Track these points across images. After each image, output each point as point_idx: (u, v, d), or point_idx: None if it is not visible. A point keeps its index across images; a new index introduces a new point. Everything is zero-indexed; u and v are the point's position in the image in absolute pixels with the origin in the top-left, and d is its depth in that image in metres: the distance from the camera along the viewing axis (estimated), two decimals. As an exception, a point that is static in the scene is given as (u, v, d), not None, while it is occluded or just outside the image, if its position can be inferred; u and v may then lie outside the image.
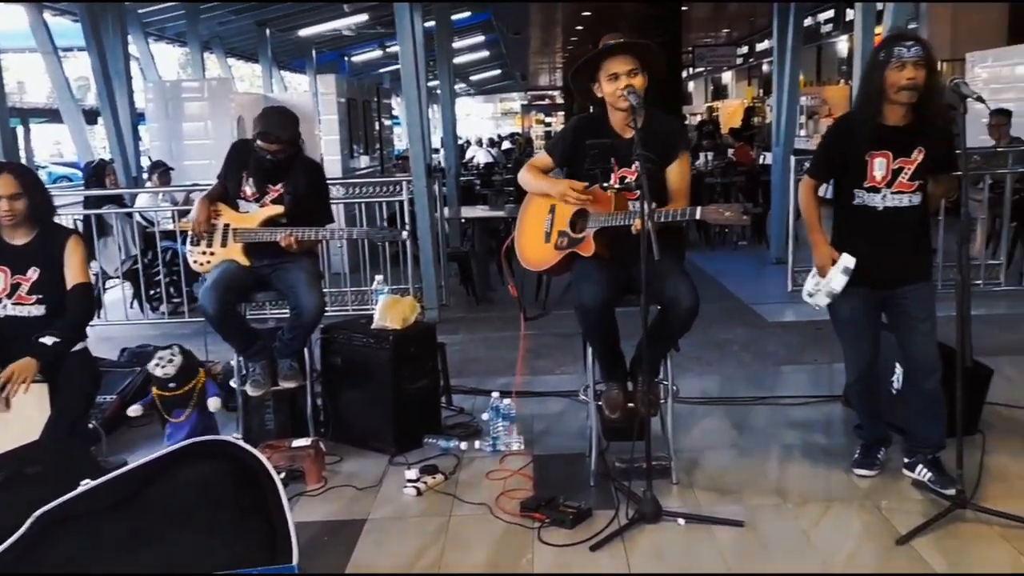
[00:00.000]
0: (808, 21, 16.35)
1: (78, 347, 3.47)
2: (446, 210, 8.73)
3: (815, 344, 5.59)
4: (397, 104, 17.53)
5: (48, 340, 3.31)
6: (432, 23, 9.31)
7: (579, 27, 19.73)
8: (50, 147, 30.34)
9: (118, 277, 7.30)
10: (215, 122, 9.25)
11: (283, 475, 3.55)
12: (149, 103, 9.32)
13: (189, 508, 2.07)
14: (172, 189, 7.64)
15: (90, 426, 3.86)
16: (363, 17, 14.34)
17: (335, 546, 3.09)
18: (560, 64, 31.91)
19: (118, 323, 6.86)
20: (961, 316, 3.00)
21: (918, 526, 2.97)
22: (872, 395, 3.51)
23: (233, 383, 4.01)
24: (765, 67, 18.58)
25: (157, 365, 3.76)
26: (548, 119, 49.11)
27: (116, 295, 7.41)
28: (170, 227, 7.00)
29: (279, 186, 3.84)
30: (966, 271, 2.93)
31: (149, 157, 9.33)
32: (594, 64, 3.26)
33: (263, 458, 2.24)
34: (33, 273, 3.44)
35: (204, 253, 3.85)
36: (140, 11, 11.24)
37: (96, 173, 8.25)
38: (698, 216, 3.01)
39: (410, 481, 3.53)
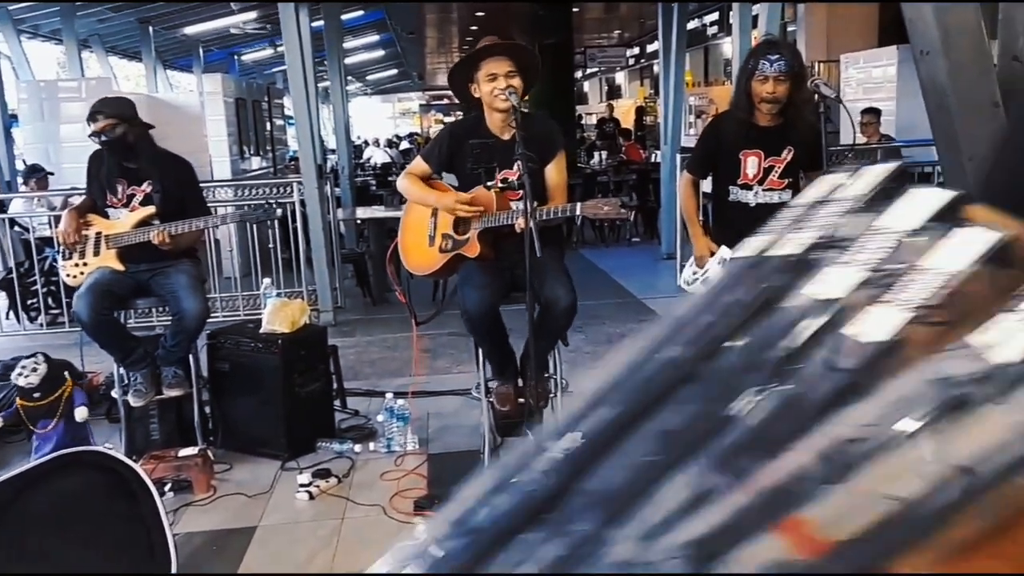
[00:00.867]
0: (695, 23, 16.86)
1: None
2: (340, 211, 8.65)
3: (702, 336, 5.79)
4: (290, 104, 17.16)
5: None
6: (320, 22, 9.18)
7: (473, 27, 19.78)
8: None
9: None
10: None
11: (169, 486, 3.50)
12: (22, 104, 8.86)
13: (63, 521, 2.00)
14: (49, 194, 7.30)
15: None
16: (251, 15, 14.01)
17: (224, 556, 3.03)
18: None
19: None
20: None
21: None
22: None
23: (115, 393, 3.88)
24: (656, 67, 19.11)
25: (20, 374, 3.61)
26: (447, 119, 49.08)
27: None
28: (47, 234, 6.69)
29: (144, 186, 3.75)
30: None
31: (24, 161, 8.88)
32: (472, 64, 3.29)
33: (139, 469, 2.19)
34: None
35: (77, 265, 3.71)
36: (11, 8, 10.69)
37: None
38: (578, 212, 3.09)
39: (302, 486, 3.50)
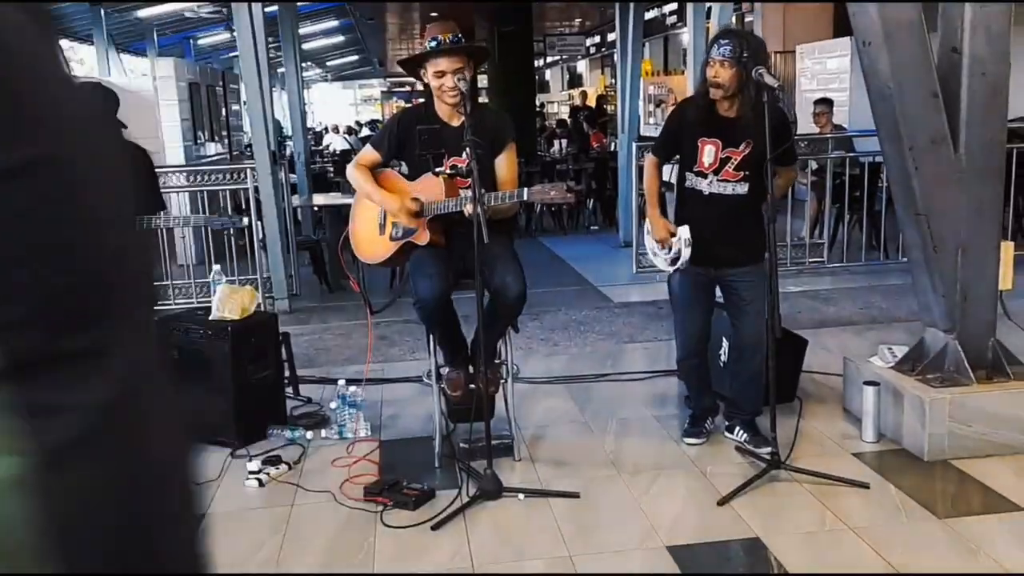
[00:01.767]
0: (654, 12, 16.93)
1: None
2: (296, 198, 8.56)
3: (656, 322, 5.86)
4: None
5: None
6: (275, 7, 9.06)
7: (433, 14, 19.64)
8: None
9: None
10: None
11: (116, 474, 3.45)
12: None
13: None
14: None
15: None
16: (205, -1, 13.78)
17: (171, 543, 3.01)
18: (418, 51, 31.67)
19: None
20: (772, 289, 3.21)
21: (737, 487, 3.19)
22: (701, 369, 3.72)
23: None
24: (617, 56, 19.23)
25: None
26: (409, 106, 48.74)
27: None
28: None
29: None
30: (773, 249, 3.15)
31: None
32: (421, 61, 3.29)
33: None
34: None
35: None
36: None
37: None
38: (526, 197, 3.11)
39: (252, 473, 3.48)
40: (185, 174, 6.90)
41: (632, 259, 7.38)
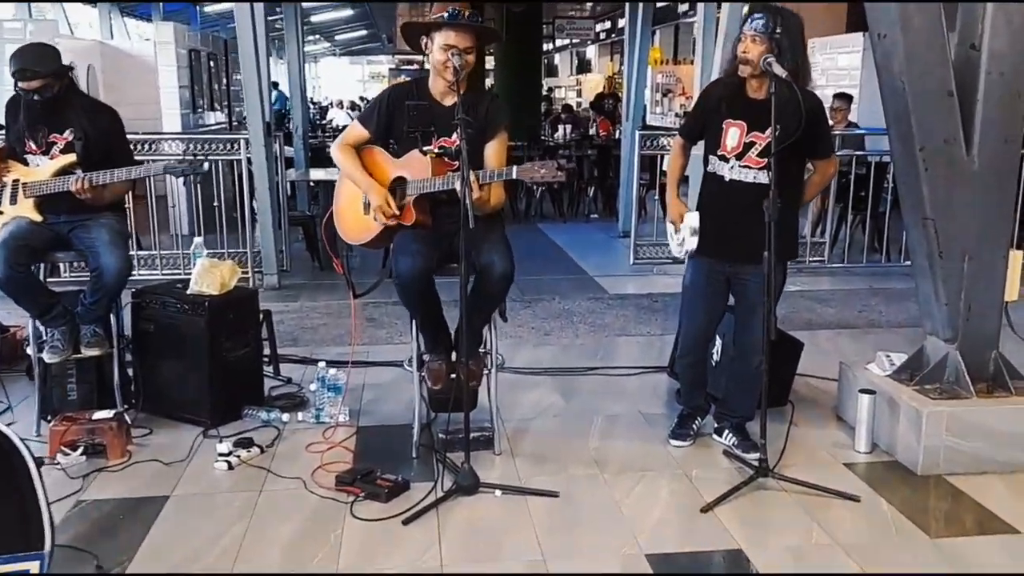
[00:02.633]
0: (666, 1, 16.71)
1: None
2: (292, 172, 8.42)
3: (650, 315, 5.74)
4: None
5: None
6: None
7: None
8: None
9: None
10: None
11: (81, 449, 3.34)
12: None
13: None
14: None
15: None
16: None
17: (130, 525, 2.89)
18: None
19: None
20: (769, 293, 3.07)
21: (722, 495, 3.07)
22: (698, 368, 3.58)
23: (30, 350, 3.70)
24: (625, 43, 19.05)
25: None
26: (400, 81, 48.29)
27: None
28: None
29: (66, 134, 3.55)
30: (771, 249, 3.00)
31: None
32: (434, 27, 3.14)
33: (14, 436, 2.04)
34: None
35: (-8, 213, 3.51)
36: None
37: None
38: (515, 175, 2.96)
39: (221, 455, 3.36)
40: (179, 142, 6.75)
41: (630, 249, 7.24)
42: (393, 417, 3.87)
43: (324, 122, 17.54)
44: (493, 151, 3.24)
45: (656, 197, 7.82)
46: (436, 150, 3.15)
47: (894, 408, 3.43)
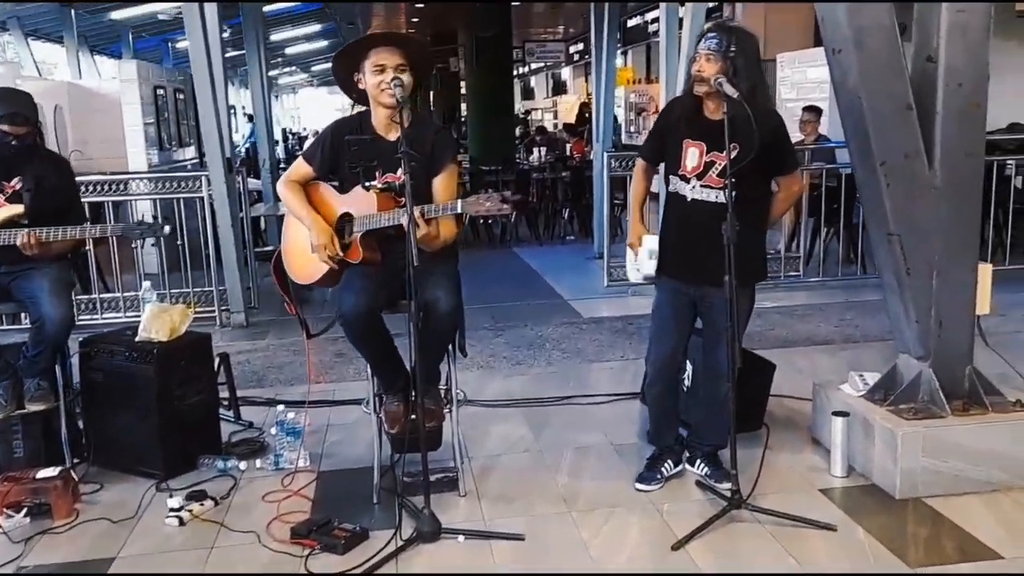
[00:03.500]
0: (637, 20, 16.77)
1: None
2: (261, 206, 8.30)
3: (624, 339, 5.63)
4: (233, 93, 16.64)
5: None
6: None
7: (415, 19, 19.43)
8: None
9: None
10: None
11: (25, 511, 3.19)
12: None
13: None
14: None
15: None
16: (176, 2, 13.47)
17: (71, 592, 2.75)
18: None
19: None
20: (733, 318, 2.97)
21: (694, 530, 2.95)
22: (666, 399, 3.45)
23: (-28, 407, 3.55)
24: (592, 64, 19.19)
25: None
26: (344, 116, 48.41)
27: None
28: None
29: (14, 182, 3.43)
30: (731, 271, 2.91)
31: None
32: (360, 53, 3.05)
33: None
34: None
35: (-70, 263, 3.38)
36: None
37: None
38: (459, 209, 2.86)
39: (172, 511, 3.21)
40: (145, 181, 6.62)
41: (604, 272, 7.15)
42: (356, 460, 3.72)
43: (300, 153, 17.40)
44: (441, 185, 3.13)
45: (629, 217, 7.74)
46: (380, 185, 3.04)
47: (868, 430, 3.33)
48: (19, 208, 3.41)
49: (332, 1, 14.95)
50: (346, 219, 3.10)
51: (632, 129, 16.06)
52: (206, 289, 6.34)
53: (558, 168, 10.91)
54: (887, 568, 2.75)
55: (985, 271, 3.37)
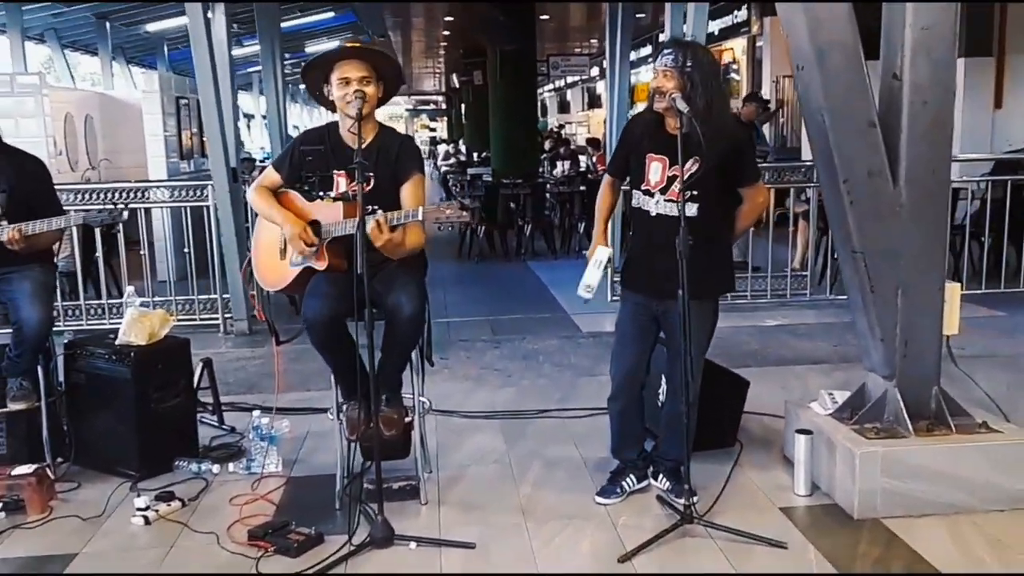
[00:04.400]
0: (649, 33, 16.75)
1: None
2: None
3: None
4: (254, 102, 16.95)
5: None
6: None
7: (446, 32, 19.65)
8: None
9: None
10: (36, 120, 8.62)
11: (1, 506, 3.29)
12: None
13: None
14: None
15: None
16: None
17: (29, 585, 2.84)
18: (440, 68, 31.78)
19: None
20: (686, 333, 2.98)
21: (642, 543, 2.96)
22: (627, 414, 3.46)
23: (-42, 406, 3.68)
24: (632, 78, 19.13)
25: None
26: (433, 124, 48.82)
27: None
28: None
29: None
30: (684, 285, 2.92)
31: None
32: (328, 66, 3.13)
33: None
34: None
35: (-88, 265, 3.51)
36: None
37: None
38: (420, 217, 2.91)
39: (139, 510, 3.29)
40: (161, 189, 6.78)
41: (608, 286, 7.14)
42: (327, 467, 3.76)
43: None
44: (408, 193, 3.19)
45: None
46: (333, 195, 3.11)
47: (831, 449, 3.31)
48: None
49: (344, 1, 15.14)
50: (313, 226, 3.17)
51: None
52: (211, 297, 6.47)
53: (575, 182, 10.94)
54: (831, 587, 2.73)
55: (953, 290, 3.34)
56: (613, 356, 3.47)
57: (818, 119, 3.17)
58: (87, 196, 6.01)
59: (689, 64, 3.00)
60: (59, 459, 3.75)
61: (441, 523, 3.23)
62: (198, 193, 6.27)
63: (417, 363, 3.42)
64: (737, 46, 16.50)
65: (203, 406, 4.27)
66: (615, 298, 7.07)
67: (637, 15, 10.66)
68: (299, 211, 3.25)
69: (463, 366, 5.43)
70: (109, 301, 6.39)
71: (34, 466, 3.44)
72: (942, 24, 3.08)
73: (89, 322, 6.15)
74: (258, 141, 21.19)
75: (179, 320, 5.49)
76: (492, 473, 3.71)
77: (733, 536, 3.00)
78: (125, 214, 3.53)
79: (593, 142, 15.53)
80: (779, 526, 3.14)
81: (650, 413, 3.62)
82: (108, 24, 13.75)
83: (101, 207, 3.82)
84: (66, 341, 3.86)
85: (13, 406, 3.59)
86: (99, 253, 6.33)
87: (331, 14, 16.88)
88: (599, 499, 3.37)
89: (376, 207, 3.08)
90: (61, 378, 3.84)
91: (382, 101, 3.19)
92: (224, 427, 4.27)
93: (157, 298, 6.41)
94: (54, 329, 3.79)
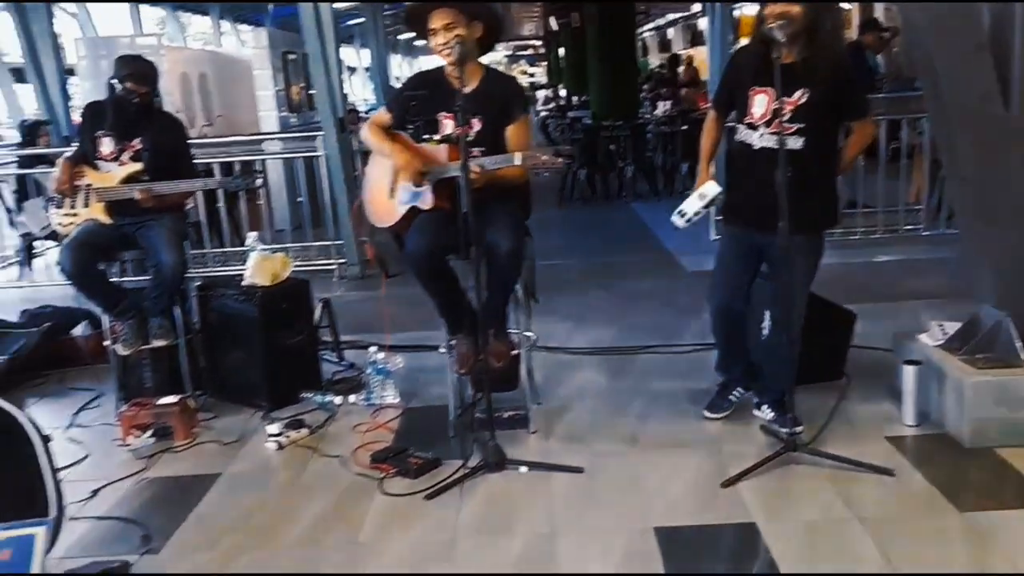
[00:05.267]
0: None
1: None
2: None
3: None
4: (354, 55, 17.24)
5: None
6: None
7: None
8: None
9: (43, 237, 7.28)
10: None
11: (151, 432, 3.63)
12: (81, 60, 9.17)
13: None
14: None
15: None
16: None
17: (182, 500, 3.14)
18: (537, 13, 31.43)
19: (45, 284, 6.87)
20: (790, 263, 3.00)
21: (745, 469, 3.03)
22: (730, 328, 3.51)
23: (106, 342, 4.04)
24: (736, 11, 18.50)
25: None
26: (533, 69, 48.38)
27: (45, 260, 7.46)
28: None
29: (135, 142, 3.84)
30: (786, 218, 2.93)
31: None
32: (419, 20, 3.23)
33: (17, 413, 2.28)
34: None
35: (67, 215, 3.86)
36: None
37: (30, 133, 8.23)
38: (517, 162, 3.01)
39: (272, 436, 3.58)
40: (271, 142, 7.11)
41: (711, 224, 7.09)
42: (440, 398, 3.97)
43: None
44: (513, 134, 3.29)
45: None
46: (437, 138, 3.24)
47: (941, 379, 3.28)
48: (138, 166, 3.84)
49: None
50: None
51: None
52: (325, 243, 6.78)
53: (677, 122, 10.77)
54: (936, 512, 2.75)
55: (1073, 216, 3.22)
56: (712, 280, 3.52)
57: (925, 43, 3.08)
58: (207, 151, 6.37)
59: None
60: (197, 392, 4.08)
61: (550, 451, 3.39)
62: (308, 144, 6.54)
63: (522, 300, 3.56)
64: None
65: (323, 344, 4.53)
66: (718, 236, 7.03)
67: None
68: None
69: (567, 306, 5.53)
70: (232, 249, 6.77)
71: (177, 397, 3.77)
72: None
73: (214, 269, 6.55)
74: (360, 93, 21.62)
75: (296, 267, 5.81)
76: (597, 405, 3.84)
77: (838, 464, 3.04)
78: (259, 181, 3.79)
79: (693, 81, 15.17)
80: (886, 455, 3.16)
81: (754, 346, 3.66)
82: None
83: (235, 175, 4.10)
84: (200, 283, 4.16)
85: (155, 343, 3.93)
86: (221, 203, 6.70)
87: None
88: (707, 413, 3.49)
89: (482, 149, 3.21)
90: (196, 318, 4.16)
91: (485, 40, 3.27)
92: (343, 363, 4.53)
93: (275, 245, 6.76)
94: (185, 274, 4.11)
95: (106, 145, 3.89)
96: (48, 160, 7.38)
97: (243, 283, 4.00)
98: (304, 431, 3.66)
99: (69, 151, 4.12)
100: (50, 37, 8.25)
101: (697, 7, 22.35)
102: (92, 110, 4.01)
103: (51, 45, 8.24)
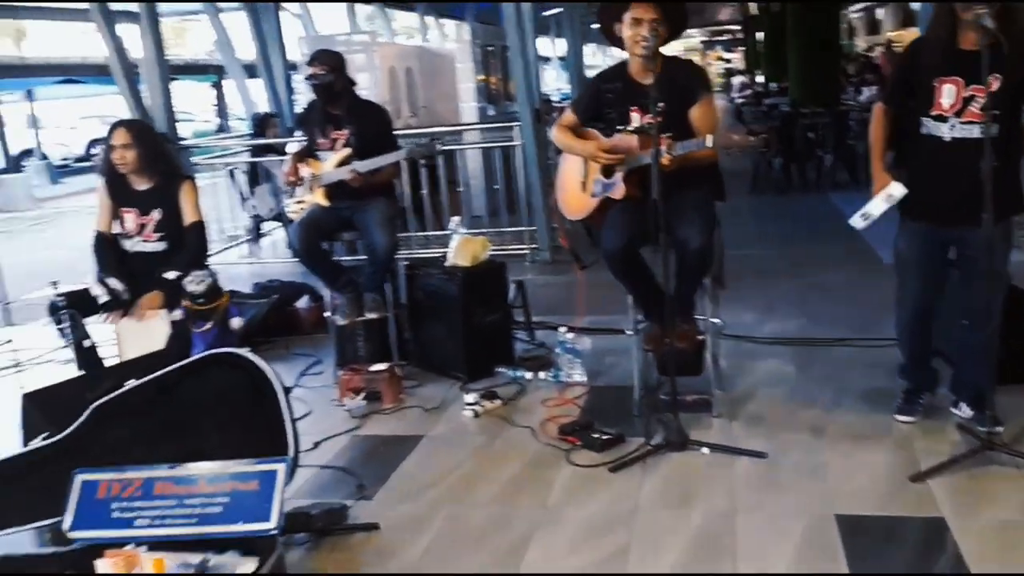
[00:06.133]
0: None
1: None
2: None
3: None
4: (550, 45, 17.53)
5: (170, 275, 3.90)
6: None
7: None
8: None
9: (270, 218, 8.09)
10: (368, 74, 9.80)
11: (363, 395, 4.03)
12: (304, 57, 10.02)
13: (207, 408, 2.52)
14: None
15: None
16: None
17: (387, 457, 3.50)
18: (735, -3, 30.55)
19: (270, 261, 7.65)
20: (990, 256, 2.91)
21: (937, 464, 2.98)
22: (919, 341, 3.44)
23: (327, 314, 4.51)
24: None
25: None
26: (728, 55, 47.04)
27: (271, 239, 8.27)
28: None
29: (345, 130, 4.26)
30: (990, 210, 2.84)
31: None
32: (623, 7, 3.36)
33: (266, 368, 2.64)
34: (156, 214, 4.03)
35: (298, 203, 4.35)
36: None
37: (260, 124, 9.13)
38: (709, 143, 3.10)
39: (468, 404, 3.88)
40: (471, 132, 7.50)
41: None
42: (625, 379, 4.12)
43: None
44: (697, 115, 3.36)
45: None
46: (631, 128, 3.37)
47: None
48: (347, 151, 4.26)
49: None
50: (606, 170, 3.46)
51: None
52: (518, 229, 7.09)
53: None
54: None
55: None
56: (901, 285, 3.43)
57: None
58: (410, 141, 6.81)
59: None
60: (403, 362, 4.46)
61: (733, 434, 3.46)
62: (505, 134, 6.86)
63: (710, 288, 3.63)
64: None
65: (516, 323, 4.80)
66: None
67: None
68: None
69: (757, 296, 5.50)
70: (433, 233, 7.23)
71: (386, 365, 4.15)
72: None
73: (418, 251, 7.02)
74: (552, 84, 22.03)
75: (491, 251, 6.14)
76: (782, 395, 3.85)
77: (1041, 467, 2.92)
78: (438, 146, 4.12)
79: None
80: (1097, 462, 2.99)
81: (942, 337, 3.54)
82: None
83: (420, 143, 4.45)
84: (407, 262, 4.54)
85: (368, 315, 4.33)
86: (424, 190, 7.16)
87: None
88: (899, 417, 3.42)
89: (670, 135, 3.31)
90: (403, 294, 4.55)
91: (665, 41, 3.38)
92: (534, 342, 4.78)
93: (473, 230, 7.15)
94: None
95: (324, 136, 4.34)
96: (276, 149, 8.19)
97: (446, 263, 4.33)
98: (498, 402, 3.93)
99: (294, 142, 4.63)
100: (277, 36, 9.07)
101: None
102: (310, 107, 4.49)
103: (278, 43, 9.06)
